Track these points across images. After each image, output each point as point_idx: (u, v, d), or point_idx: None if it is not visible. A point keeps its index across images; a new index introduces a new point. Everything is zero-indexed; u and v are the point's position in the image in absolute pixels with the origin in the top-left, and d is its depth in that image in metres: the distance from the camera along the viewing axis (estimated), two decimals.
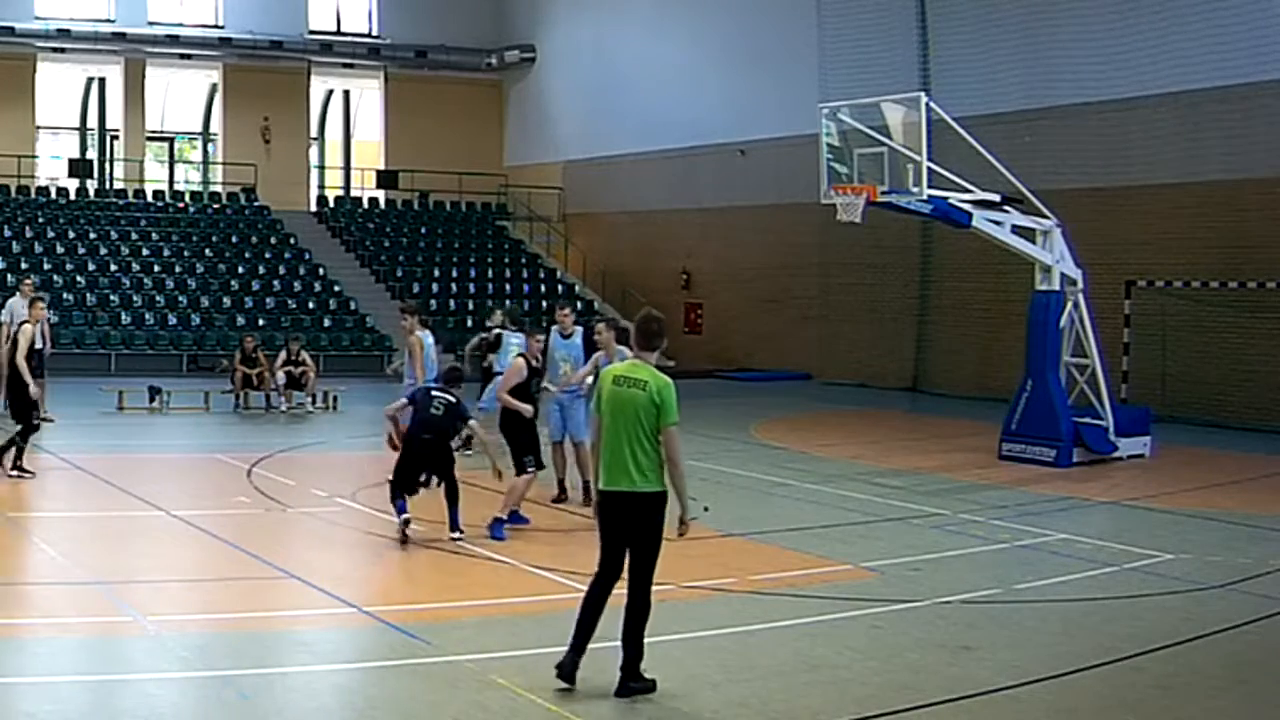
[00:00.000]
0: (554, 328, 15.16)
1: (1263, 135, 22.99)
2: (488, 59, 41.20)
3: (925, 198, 17.28)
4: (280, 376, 23.41)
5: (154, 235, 35.09)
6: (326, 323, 33.09)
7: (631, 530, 7.85)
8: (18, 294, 21.33)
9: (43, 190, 36.50)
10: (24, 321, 15.91)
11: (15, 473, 14.93)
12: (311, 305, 33.92)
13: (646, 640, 7.94)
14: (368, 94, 42.39)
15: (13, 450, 15.04)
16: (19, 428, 15.10)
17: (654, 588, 7.94)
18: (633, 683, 7.81)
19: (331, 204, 40.01)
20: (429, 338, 16.27)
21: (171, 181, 40.92)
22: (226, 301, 32.97)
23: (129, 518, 13.46)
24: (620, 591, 7.91)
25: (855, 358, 30.53)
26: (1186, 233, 24.02)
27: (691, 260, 35.73)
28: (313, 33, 39.52)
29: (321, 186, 41.76)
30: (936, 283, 29.29)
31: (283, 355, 23.76)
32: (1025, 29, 26.74)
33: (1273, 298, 22.75)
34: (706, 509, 14.03)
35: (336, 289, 34.80)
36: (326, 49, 39.66)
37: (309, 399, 23.68)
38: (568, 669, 7.83)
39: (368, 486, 15.21)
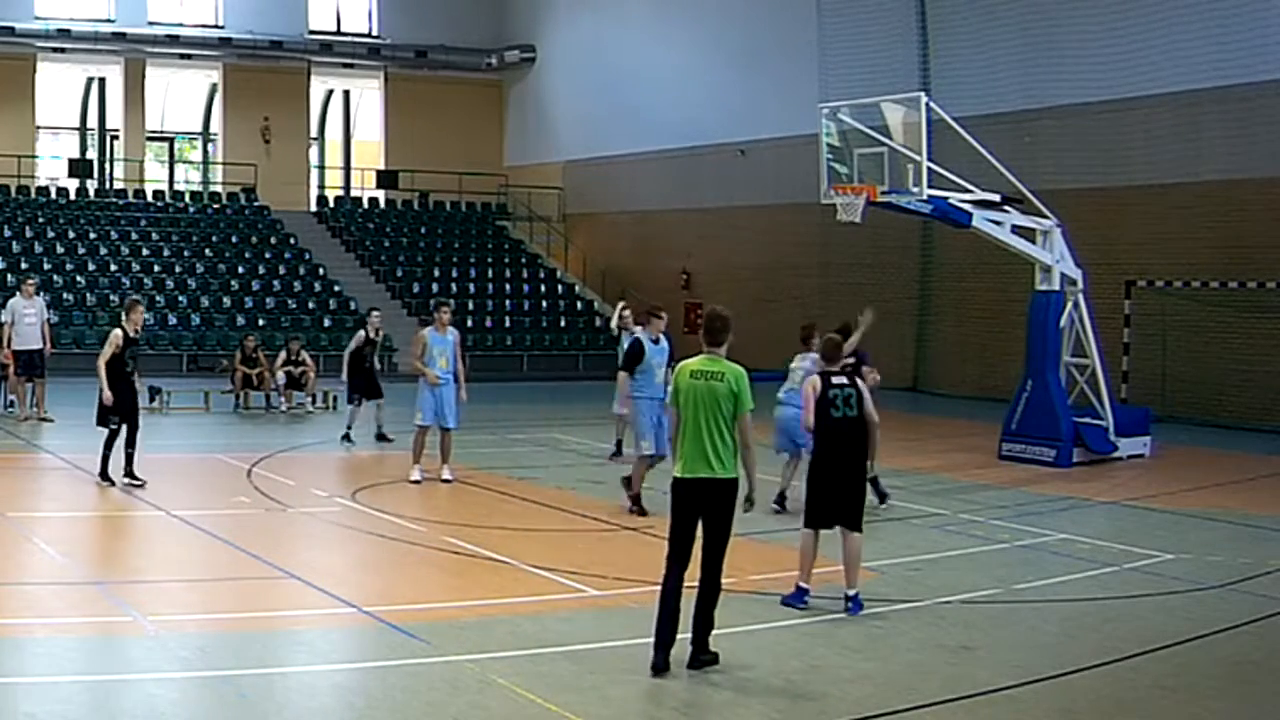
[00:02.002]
0: (639, 330, 15.10)
1: (1263, 135, 22.99)
2: (488, 59, 41.19)
3: (925, 198, 17.29)
4: (280, 376, 23.41)
5: (154, 235, 35.08)
6: (326, 323, 33.07)
7: (707, 515, 8.34)
8: (18, 294, 21.34)
9: (43, 190, 36.49)
10: (118, 326, 15.22)
11: (128, 480, 14.55)
12: (311, 305, 33.91)
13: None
14: (368, 94, 42.40)
15: (124, 459, 14.63)
16: (107, 432, 14.68)
17: (653, 587, 8.09)
18: (703, 655, 8.30)
19: (331, 204, 40.01)
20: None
21: (171, 181, 40.93)
22: (226, 301, 32.96)
23: (129, 518, 13.48)
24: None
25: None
26: (1186, 233, 24.03)
27: (691, 260, 35.72)
28: (313, 33, 39.52)
29: (321, 186, 41.76)
30: (936, 283, 29.29)
31: (283, 355, 23.76)
32: (1025, 29, 26.74)
33: (1273, 298, 22.75)
34: None
35: (336, 289, 34.79)
36: (326, 49, 39.66)
37: (309, 399, 23.68)
38: (660, 666, 8.13)
39: (367, 486, 15.22)
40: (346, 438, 19.02)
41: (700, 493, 8.30)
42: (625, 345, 16.13)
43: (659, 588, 8.32)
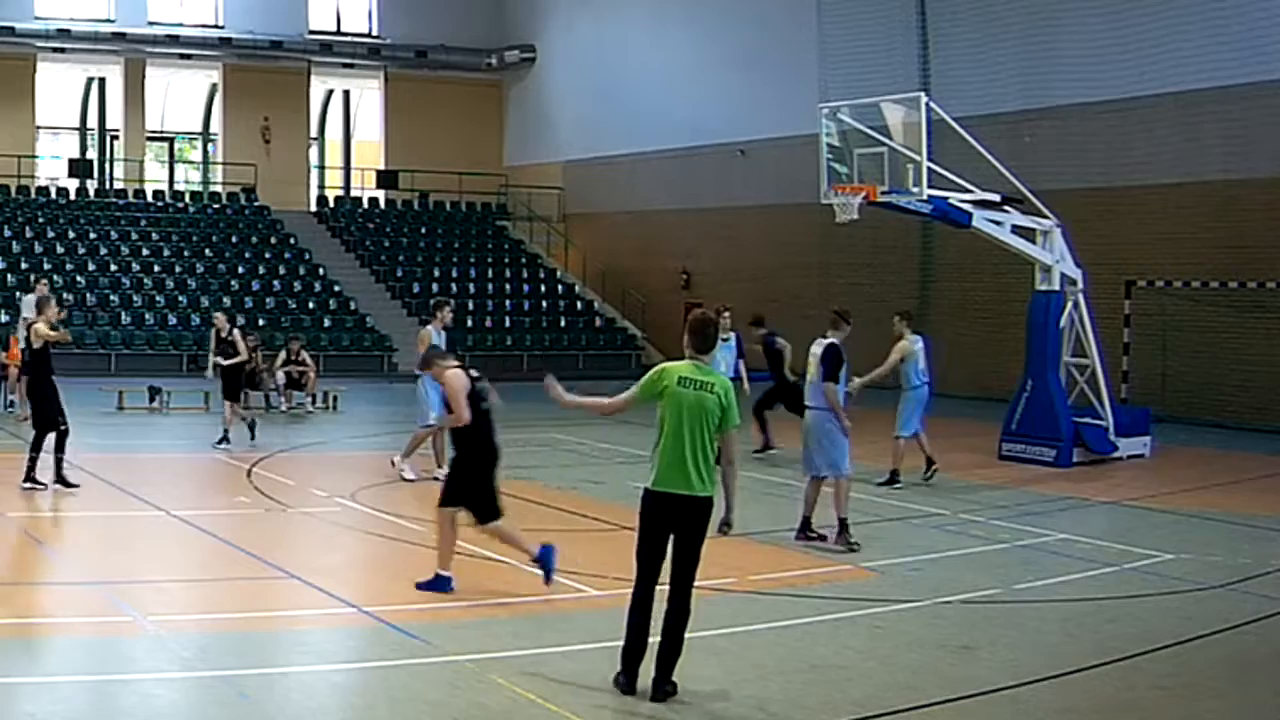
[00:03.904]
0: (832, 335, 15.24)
1: (1263, 135, 23.01)
2: (488, 59, 41.20)
3: (925, 198, 17.30)
4: (280, 376, 23.39)
5: (154, 235, 35.10)
6: (326, 323, 33.09)
7: (678, 534, 7.78)
8: (33, 293, 21.33)
9: (43, 190, 36.51)
10: (34, 322, 14.58)
11: (28, 485, 14.09)
12: (311, 305, 33.91)
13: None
14: (368, 94, 42.40)
15: (56, 463, 14.14)
16: (37, 434, 14.20)
17: (654, 588, 7.96)
18: (666, 685, 7.72)
19: (331, 204, 40.02)
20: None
21: (171, 181, 40.94)
22: (226, 301, 32.90)
23: (129, 518, 13.46)
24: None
25: (856, 358, 30.44)
26: (1186, 233, 24.03)
27: (691, 260, 35.72)
28: (313, 33, 39.52)
29: (321, 186, 41.77)
30: (936, 283, 29.28)
31: (283, 355, 23.75)
32: (1025, 29, 26.75)
33: (1273, 298, 22.76)
34: None
35: (336, 289, 34.80)
36: (326, 49, 39.67)
37: (309, 399, 23.67)
38: (628, 686, 7.74)
39: (367, 486, 15.22)
40: (224, 439, 18.38)
41: (674, 509, 7.72)
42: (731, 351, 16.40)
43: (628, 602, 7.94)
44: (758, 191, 33.15)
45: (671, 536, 7.79)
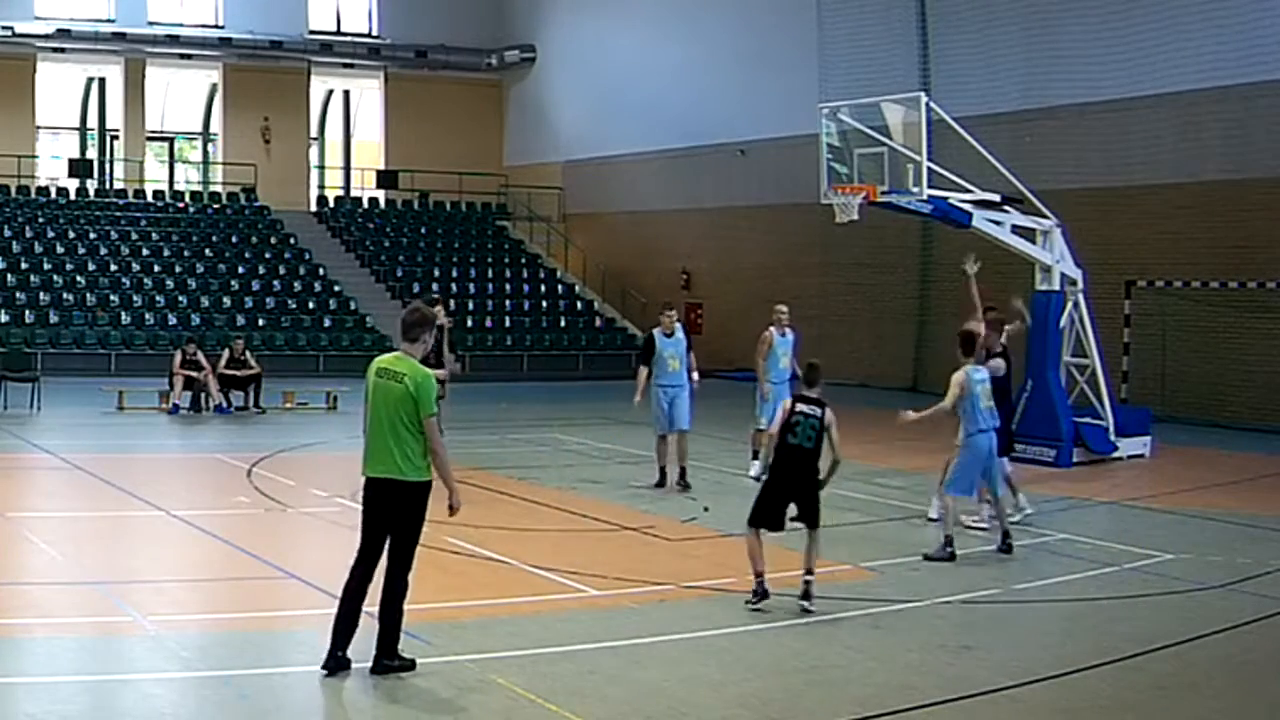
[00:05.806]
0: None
1: (1263, 135, 23.01)
2: (488, 59, 41.20)
3: (925, 198, 17.30)
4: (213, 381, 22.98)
5: (154, 235, 35.07)
6: (326, 323, 33.07)
7: None
8: None
9: (43, 190, 36.48)
10: None
11: None
12: (311, 305, 33.89)
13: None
14: (368, 94, 42.39)
15: None
16: None
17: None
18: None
19: (331, 204, 39.99)
20: None
21: (171, 181, 40.91)
22: (226, 301, 32.96)
23: (129, 518, 13.47)
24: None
25: (855, 358, 30.52)
26: (1186, 233, 24.04)
27: (691, 260, 35.72)
28: (313, 33, 39.51)
29: (321, 186, 41.74)
30: (936, 283, 29.25)
31: (226, 355, 23.53)
32: (1025, 29, 26.75)
33: (1273, 298, 22.76)
34: (706, 509, 14.06)
35: (336, 289, 34.79)
36: (326, 49, 39.66)
37: (252, 401, 23.20)
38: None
39: None
40: None
41: None
42: (780, 346, 16.33)
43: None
44: (758, 191, 33.15)
45: None
